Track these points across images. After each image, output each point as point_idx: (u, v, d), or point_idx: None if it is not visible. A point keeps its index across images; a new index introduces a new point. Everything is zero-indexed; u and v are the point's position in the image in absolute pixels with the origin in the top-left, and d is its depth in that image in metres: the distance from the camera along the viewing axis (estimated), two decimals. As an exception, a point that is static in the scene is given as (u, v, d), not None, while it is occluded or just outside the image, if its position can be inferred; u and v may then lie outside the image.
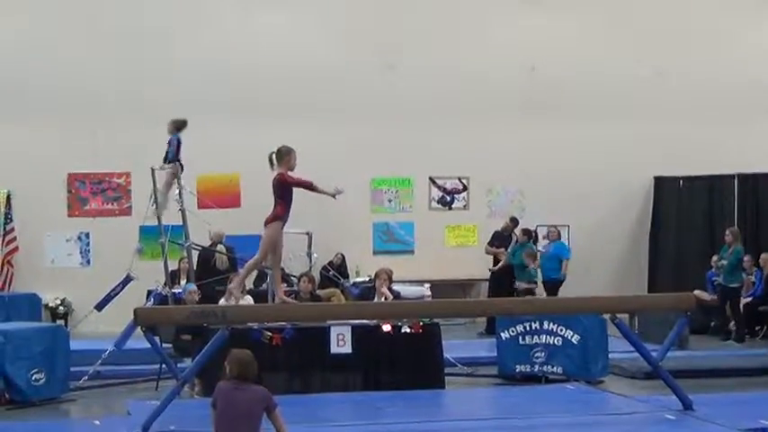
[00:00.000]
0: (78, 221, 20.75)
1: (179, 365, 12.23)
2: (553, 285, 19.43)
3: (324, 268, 18.87)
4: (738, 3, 22.88)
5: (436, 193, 22.15)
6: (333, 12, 21.52)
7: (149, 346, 10.71)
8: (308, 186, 11.46)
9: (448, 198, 22.18)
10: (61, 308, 20.08)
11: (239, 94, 20.71)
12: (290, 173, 11.51)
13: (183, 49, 20.74)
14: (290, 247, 17.55)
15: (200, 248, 17.21)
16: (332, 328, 12.77)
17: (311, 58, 20.96)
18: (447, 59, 21.52)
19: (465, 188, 22.22)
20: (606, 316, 12.50)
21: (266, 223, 11.53)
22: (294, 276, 16.36)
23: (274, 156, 11.58)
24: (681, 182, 22.04)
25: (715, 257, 19.04)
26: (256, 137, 20.53)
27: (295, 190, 11.51)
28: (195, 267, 17.69)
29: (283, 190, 11.45)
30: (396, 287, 15.09)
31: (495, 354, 14.47)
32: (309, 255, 17.48)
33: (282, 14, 21.40)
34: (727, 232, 18.64)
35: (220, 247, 18.09)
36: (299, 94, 20.75)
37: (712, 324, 18.74)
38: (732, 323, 18.40)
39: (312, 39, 21.27)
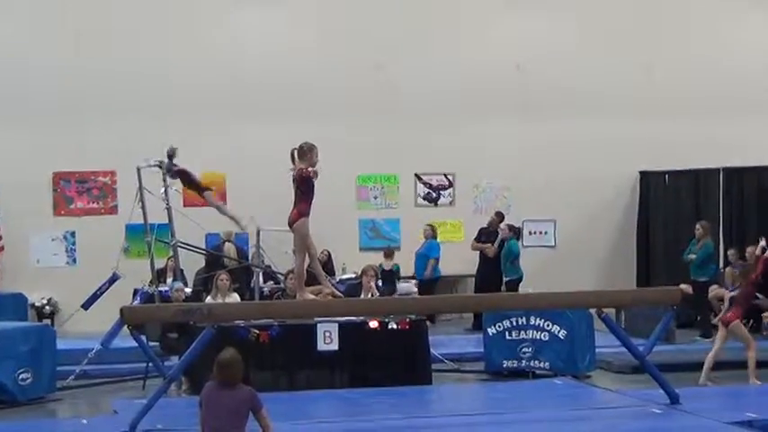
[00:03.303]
0: (64, 220, 20.70)
1: (166, 364, 12.19)
2: (424, 284, 19.58)
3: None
4: (726, 0, 22.93)
5: (422, 190, 22.15)
6: (323, 11, 21.48)
7: (136, 344, 10.67)
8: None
9: (434, 194, 22.18)
10: (47, 307, 20.02)
11: (225, 93, 20.69)
12: (310, 169, 11.63)
13: (172, 48, 20.69)
14: (277, 244, 17.64)
15: (204, 251, 17.71)
16: (319, 326, 12.76)
17: (299, 58, 20.93)
18: (435, 58, 21.50)
19: (451, 184, 22.22)
20: (593, 311, 12.53)
21: (291, 223, 11.69)
22: (281, 274, 16.37)
23: (296, 152, 11.73)
24: (666, 176, 22.08)
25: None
26: (243, 136, 20.67)
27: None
28: (204, 266, 17.88)
29: (306, 184, 11.59)
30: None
31: (483, 349, 14.49)
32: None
33: (270, 13, 21.36)
34: (698, 226, 18.62)
35: (229, 245, 18.19)
36: (284, 92, 20.72)
37: (698, 318, 18.79)
38: (712, 317, 18.49)
39: (300, 38, 21.24)
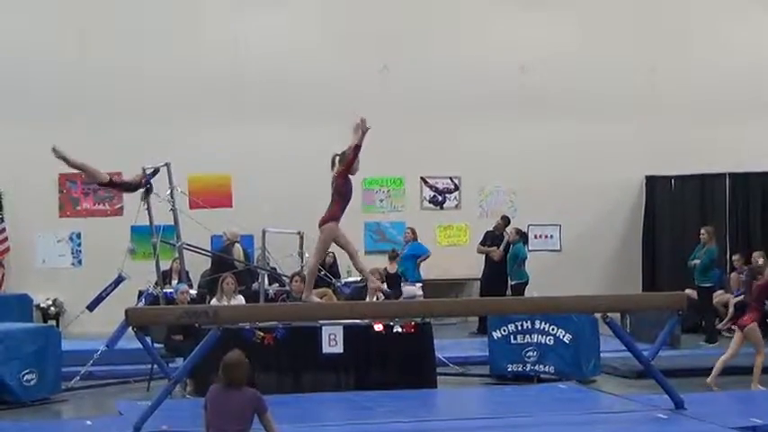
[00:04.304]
0: (70, 222, 20.72)
1: (170, 365, 12.22)
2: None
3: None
4: (730, 2, 22.90)
5: (428, 193, 22.16)
6: (327, 13, 21.51)
7: (141, 346, 10.69)
8: (358, 147, 12.07)
9: (440, 198, 22.18)
10: (53, 308, 20.05)
11: (231, 95, 20.72)
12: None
13: (178, 49, 20.74)
14: (282, 247, 17.64)
15: (210, 253, 17.67)
16: (323, 328, 12.76)
17: (303, 60, 20.95)
18: (439, 59, 21.52)
19: (457, 188, 22.23)
20: (598, 315, 12.51)
21: (321, 224, 11.78)
22: (286, 276, 16.36)
23: (338, 158, 11.89)
24: (672, 181, 22.06)
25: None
26: (248, 137, 20.69)
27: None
28: (210, 267, 17.87)
29: (345, 186, 11.67)
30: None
31: (488, 353, 14.47)
32: (301, 254, 17.47)
33: (273, 16, 21.39)
34: (703, 231, 18.55)
35: (237, 246, 18.17)
36: (290, 95, 20.75)
37: (703, 324, 18.76)
38: (717, 322, 18.46)
39: (305, 40, 21.26)
